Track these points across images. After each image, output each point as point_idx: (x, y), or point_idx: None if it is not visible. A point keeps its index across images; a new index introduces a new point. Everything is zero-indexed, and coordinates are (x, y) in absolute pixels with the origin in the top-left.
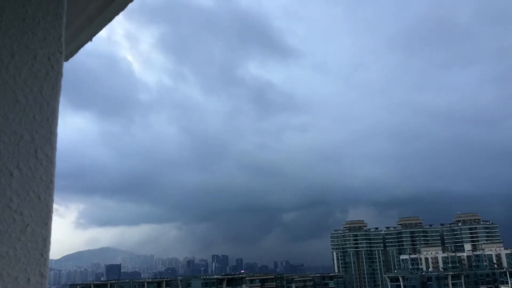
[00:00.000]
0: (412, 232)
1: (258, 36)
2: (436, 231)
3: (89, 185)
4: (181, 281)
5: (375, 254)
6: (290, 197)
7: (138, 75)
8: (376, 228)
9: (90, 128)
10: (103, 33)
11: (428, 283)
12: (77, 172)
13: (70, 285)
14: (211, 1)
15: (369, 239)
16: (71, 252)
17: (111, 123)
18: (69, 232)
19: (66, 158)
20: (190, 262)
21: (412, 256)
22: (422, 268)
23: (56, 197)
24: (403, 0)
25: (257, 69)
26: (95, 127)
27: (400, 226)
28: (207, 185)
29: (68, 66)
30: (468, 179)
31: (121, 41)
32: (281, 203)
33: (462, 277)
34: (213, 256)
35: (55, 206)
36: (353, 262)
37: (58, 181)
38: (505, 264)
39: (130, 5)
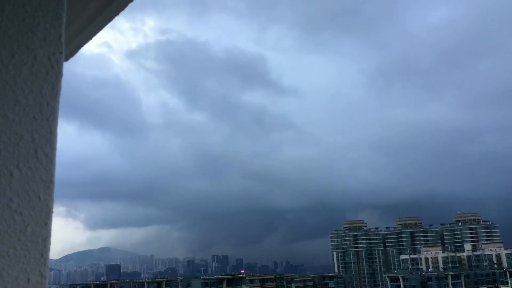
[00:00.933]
0: (412, 232)
1: (255, 71)
2: (436, 231)
3: (100, 190)
4: (181, 281)
5: (375, 254)
6: (290, 199)
7: (147, 101)
8: (376, 228)
9: (107, 143)
10: (123, 67)
11: (428, 283)
12: (93, 179)
13: (70, 285)
14: (220, 48)
15: (369, 239)
16: (71, 252)
17: (125, 140)
18: (73, 232)
19: (88, 167)
20: (190, 262)
21: (412, 256)
22: (422, 268)
23: (67, 200)
24: (375, 45)
25: (255, 97)
26: (111, 142)
27: (400, 226)
28: (210, 189)
29: (92, 96)
30: (467, 179)
31: (132, 72)
32: (282, 205)
33: (462, 277)
34: (213, 256)
35: (65, 207)
36: (353, 262)
37: (79, 188)
38: (505, 264)
39: (143, 45)
